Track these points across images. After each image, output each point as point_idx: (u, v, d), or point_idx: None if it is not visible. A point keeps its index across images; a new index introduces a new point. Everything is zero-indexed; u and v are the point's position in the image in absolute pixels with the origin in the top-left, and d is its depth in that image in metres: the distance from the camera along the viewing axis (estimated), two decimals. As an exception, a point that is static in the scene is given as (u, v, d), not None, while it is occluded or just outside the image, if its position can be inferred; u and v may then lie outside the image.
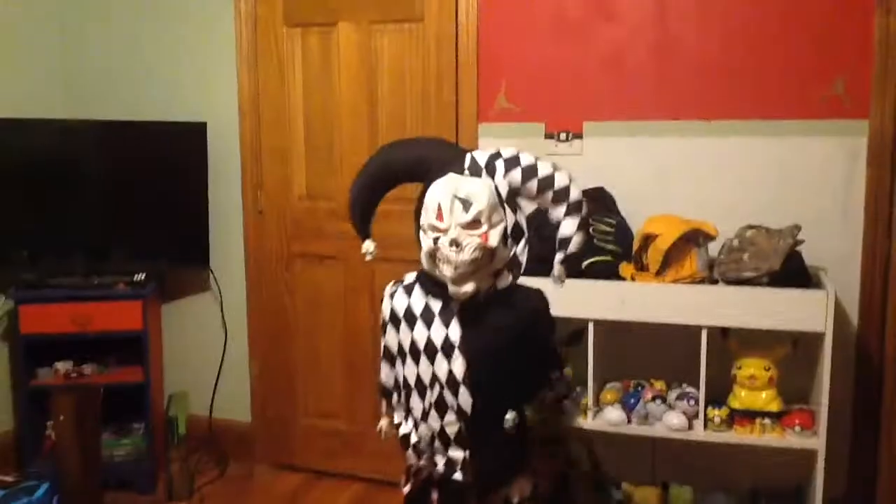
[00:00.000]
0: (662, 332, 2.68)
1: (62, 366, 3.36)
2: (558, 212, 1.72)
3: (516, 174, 1.74)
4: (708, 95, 2.89)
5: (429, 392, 1.81)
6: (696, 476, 2.89)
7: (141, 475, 3.38)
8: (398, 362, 1.90)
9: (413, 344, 1.84)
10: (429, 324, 1.81)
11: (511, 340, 1.78)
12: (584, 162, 3.03)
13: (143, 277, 3.43)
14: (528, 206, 1.88)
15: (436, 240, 1.76)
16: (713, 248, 2.74)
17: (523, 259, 1.79)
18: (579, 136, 3.04)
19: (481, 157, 1.79)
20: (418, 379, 1.84)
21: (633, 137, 2.98)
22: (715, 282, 2.67)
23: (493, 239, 1.71)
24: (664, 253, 2.63)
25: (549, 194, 1.72)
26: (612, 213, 2.89)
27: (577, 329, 2.76)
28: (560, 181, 1.74)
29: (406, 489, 1.95)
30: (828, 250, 2.77)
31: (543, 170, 1.75)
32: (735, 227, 2.74)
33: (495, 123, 3.13)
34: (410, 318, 1.85)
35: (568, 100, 3.05)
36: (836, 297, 2.55)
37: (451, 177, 1.77)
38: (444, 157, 1.83)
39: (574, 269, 1.80)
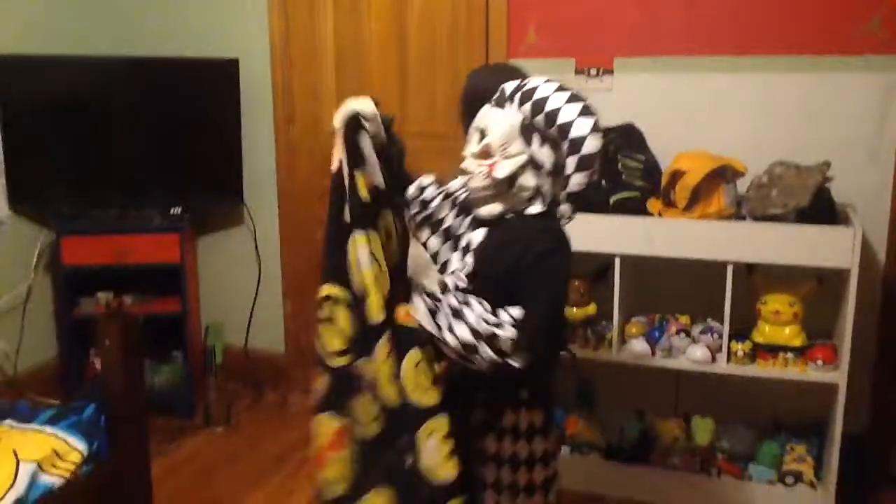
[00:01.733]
0: (688, 267, 2.71)
1: (103, 296, 3.49)
2: (563, 148, 1.70)
3: (528, 107, 1.71)
4: (740, 31, 2.85)
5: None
6: (718, 409, 2.95)
7: (180, 401, 3.53)
8: (426, 230, 1.97)
9: (441, 222, 1.92)
10: (464, 215, 1.88)
11: (509, 261, 1.75)
12: (613, 98, 3.03)
13: (179, 211, 3.51)
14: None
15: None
16: (742, 185, 2.74)
17: (546, 191, 1.78)
18: (609, 71, 3.03)
19: (509, 87, 1.78)
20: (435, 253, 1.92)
21: (663, 73, 2.97)
22: (742, 218, 2.68)
23: (501, 170, 1.70)
24: (692, 189, 2.64)
25: (555, 129, 1.69)
26: (642, 150, 2.90)
27: (603, 264, 2.80)
28: (564, 117, 1.65)
29: None
30: (858, 187, 2.77)
31: (553, 104, 1.67)
32: (764, 164, 2.74)
33: (525, 59, 3.12)
34: (452, 200, 1.93)
35: (598, 35, 3.03)
36: (864, 234, 2.56)
37: (483, 109, 1.80)
38: (492, 87, 1.84)
39: (577, 206, 1.78)
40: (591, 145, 1.69)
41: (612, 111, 2.99)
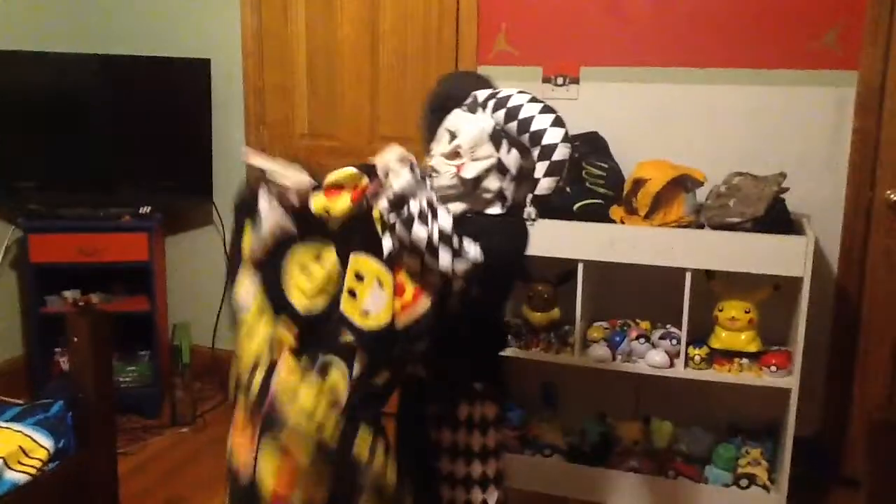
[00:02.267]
0: (649, 273, 2.77)
1: (70, 294, 3.49)
2: (534, 154, 1.80)
3: (500, 114, 1.81)
4: (702, 43, 2.94)
5: None
6: (676, 412, 3.02)
7: (147, 400, 3.53)
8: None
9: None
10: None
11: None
12: (579, 106, 3.10)
13: (148, 210, 3.52)
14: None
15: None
16: (701, 194, 2.82)
17: (509, 194, 1.87)
18: (576, 80, 3.10)
19: (482, 95, 1.87)
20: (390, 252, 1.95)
21: (627, 83, 3.04)
22: (701, 226, 2.76)
23: (468, 171, 1.80)
24: (653, 197, 2.71)
25: (526, 136, 1.79)
26: (605, 158, 2.97)
27: (566, 269, 2.86)
28: (537, 125, 1.77)
29: None
30: (812, 198, 2.86)
31: (526, 112, 1.78)
32: (723, 174, 2.82)
33: (494, 66, 3.18)
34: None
35: (565, 44, 3.10)
36: (817, 243, 2.65)
37: (453, 111, 1.88)
38: (464, 93, 1.91)
39: (545, 209, 1.86)
40: (561, 153, 1.78)
41: (578, 119, 3.05)
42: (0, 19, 3.47)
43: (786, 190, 2.69)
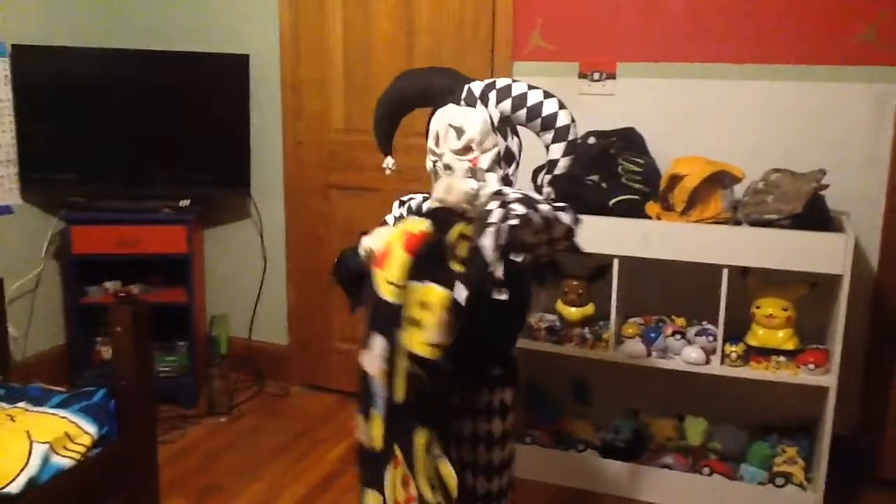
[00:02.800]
0: (685, 270, 2.76)
1: (111, 285, 3.56)
2: (546, 138, 1.87)
3: (507, 104, 1.87)
4: (739, 38, 2.91)
5: None
6: (710, 409, 3.00)
7: (184, 390, 3.59)
8: None
9: None
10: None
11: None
12: (615, 102, 3.09)
13: (187, 203, 3.57)
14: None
15: (434, 163, 1.93)
16: (739, 190, 2.80)
17: (514, 180, 1.94)
18: (612, 76, 3.09)
19: (477, 87, 1.91)
20: None
21: (664, 79, 3.02)
22: (738, 223, 2.74)
23: (484, 163, 1.86)
24: (690, 193, 2.70)
25: (538, 122, 1.86)
26: (642, 154, 2.96)
27: (601, 265, 2.86)
28: (547, 109, 1.85)
29: None
30: (852, 195, 2.83)
31: (532, 99, 1.86)
32: (761, 170, 2.80)
33: (530, 62, 3.19)
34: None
35: (602, 40, 3.09)
36: (857, 241, 2.62)
37: (448, 107, 1.91)
38: (448, 86, 1.95)
39: (562, 189, 1.91)
40: (574, 133, 1.88)
41: (614, 115, 3.06)
42: (40, 15, 3.54)
43: (825, 187, 2.67)
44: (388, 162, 2.14)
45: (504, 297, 1.66)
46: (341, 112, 3.59)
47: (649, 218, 2.81)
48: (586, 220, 2.73)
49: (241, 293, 3.89)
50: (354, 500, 2.85)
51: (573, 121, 1.87)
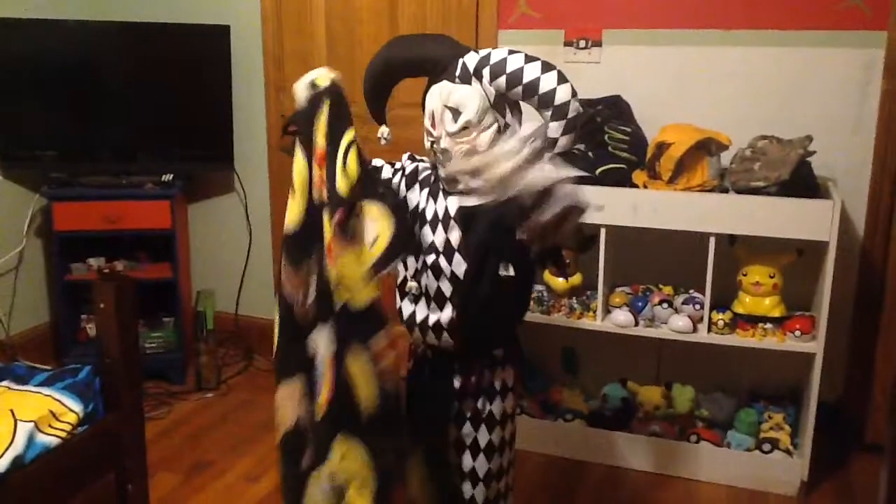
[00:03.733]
0: (672, 238, 2.76)
1: (95, 262, 3.53)
2: (545, 116, 1.77)
3: (501, 81, 1.76)
4: (726, 4, 2.89)
5: (423, 256, 1.89)
6: (698, 377, 3.02)
7: (171, 366, 3.58)
8: None
9: (416, 208, 1.93)
10: (435, 196, 1.91)
11: (494, 217, 1.83)
12: (601, 70, 3.06)
13: (170, 178, 3.53)
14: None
15: (432, 143, 1.85)
16: (726, 158, 2.79)
17: None
18: (598, 43, 3.06)
19: (472, 61, 1.81)
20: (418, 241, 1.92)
21: (650, 46, 3.00)
22: (725, 190, 2.73)
23: (483, 143, 1.79)
24: (677, 161, 2.68)
25: (535, 99, 1.76)
26: (628, 122, 2.94)
27: (588, 234, 2.85)
28: (545, 86, 1.73)
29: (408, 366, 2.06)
30: (839, 161, 2.82)
31: (529, 75, 1.74)
32: (748, 137, 2.78)
33: (515, 30, 3.15)
34: (420, 183, 1.95)
35: (588, 7, 3.06)
36: (843, 207, 2.61)
37: (443, 85, 1.82)
38: (442, 59, 1.86)
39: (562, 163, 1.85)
40: (574, 108, 1.76)
41: (600, 83, 3.03)
42: (20, -13, 3.47)
43: (812, 153, 2.66)
44: (383, 131, 2.05)
45: (510, 272, 1.64)
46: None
47: (636, 187, 2.80)
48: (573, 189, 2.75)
49: (227, 268, 3.86)
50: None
51: (574, 94, 1.76)
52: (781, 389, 2.98)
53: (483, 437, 1.96)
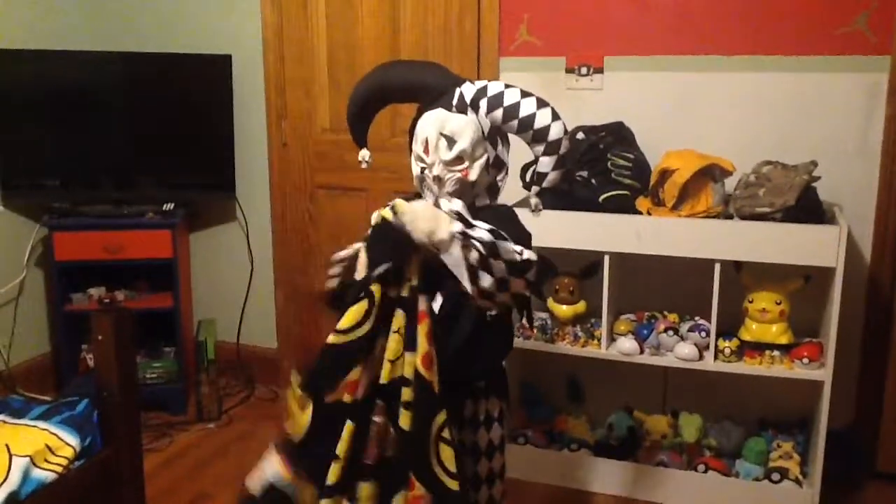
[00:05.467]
0: (677, 265, 2.73)
1: (95, 291, 3.51)
2: (537, 150, 1.82)
3: (498, 114, 1.81)
4: (728, 30, 2.88)
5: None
6: (705, 405, 2.98)
7: (172, 397, 3.54)
8: None
9: None
10: None
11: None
12: (604, 97, 3.05)
13: (171, 207, 3.52)
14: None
15: (422, 169, 1.85)
16: (730, 184, 2.77)
17: (502, 186, 1.91)
18: (600, 70, 3.05)
19: (469, 92, 1.84)
20: None
21: (653, 72, 2.99)
22: (730, 217, 2.71)
23: (474, 174, 1.81)
24: (680, 187, 2.67)
25: (529, 134, 1.80)
26: (631, 148, 2.92)
27: (592, 262, 2.83)
28: (540, 121, 1.79)
29: None
30: (844, 187, 2.80)
31: (525, 110, 1.80)
32: (752, 163, 2.77)
33: (517, 57, 3.15)
34: None
35: (589, 34, 3.05)
36: (850, 232, 2.59)
37: (439, 112, 1.83)
38: (438, 86, 1.87)
39: (549, 200, 1.88)
40: (566, 146, 1.83)
41: (603, 109, 3.02)
42: (21, 18, 3.49)
43: (817, 179, 2.64)
44: (364, 155, 2.07)
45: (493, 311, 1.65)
46: (327, 112, 3.54)
47: (640, 213, 2.78)
48: (577, 216, 2.74)
49: (229, 297, 3.84)
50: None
51: (566, 132, 1.82)
52: (790, 417, 2.94)
53: (468, 469, 1.93)
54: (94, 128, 3.49)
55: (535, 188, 1.87)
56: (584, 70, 3.08)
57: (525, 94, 1.82)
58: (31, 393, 3.22)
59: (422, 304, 1.72)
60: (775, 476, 2.72)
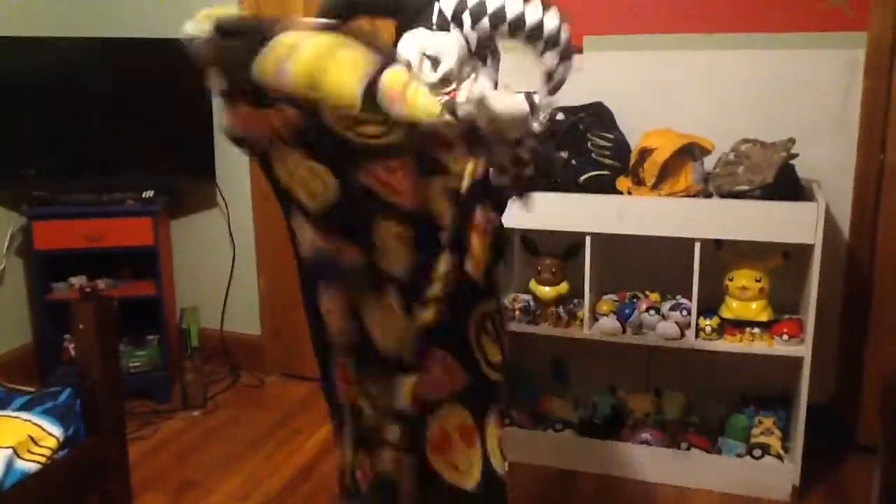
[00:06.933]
0: (657, 244, 2.75)
1: (77, 280, 3.48)
2: (537, 49, 1.70)
3: (484, 23, 1.67)
4: (707, 8, 2.88)
5: None
6: (687, 383, 3.01)
7: (156, 385, 3.53)
8: None
9: None
10: None
11: None
12: (583, 77, 2.98)
13: (151, 194, 3.50)
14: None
15: None
16: (709, 162, 2.78)
17: None
18: (579, 50, 3.04)
19: (448, 6, 1.70)
20: None
21: (632, 52, 2.99)
22: (710, 195, 2.72)
23: (462, 94, 1.67)
24: (660, 167, 2.67)
25: (523, 35, 1.66)
26: (611, 128, 2.93)
27: (574, 242, 2.84)
28: (531, 18, 1.65)
29: None
30: (822, 163, 2.82)
31: (512, 11, 1.66)
32: (732, 142, 2.78)
33: (496, 38, 3.13)
34: None
35: (568, 13, 3.03)
36: (828, 209, 2.61)
37: (418, 32, 1.72)
38: (415, 3, 1.76)
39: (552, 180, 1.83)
40: (566, 32, 1.71)
41: (582, 90, 3.01)
42: (-4, 5, 3.44)
43: (795, 156, 2.66)
44: None
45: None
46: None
47: (620, 193, 2.78)
48: (557, 197, 2.74)
49: (211, 284, 3.83)
50: (334, 489, 2.83)
51: (563, 21, 1.69)
52: (771, 393, 2.97)
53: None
54: (72, 115, 3.45)
55: (545, 88, 1.72)
56: (563, 50, 3.06)
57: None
58: (13, 384, 3.19)
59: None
60: (757, 452, 2.75)
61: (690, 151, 2.71)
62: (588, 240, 2.77)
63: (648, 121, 2.89)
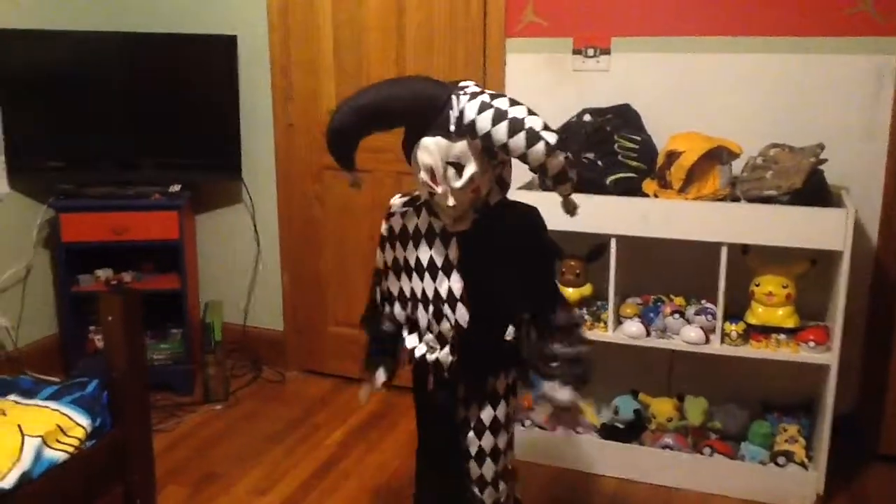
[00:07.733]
0: (683, 248, 2.73)
1: (102, 273, 3.51)
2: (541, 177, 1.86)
3: (503, 126, 1.72)
4: (736, 10, 2.86)
5: (430, 306, 1.93)
6: (710, 388, 2.98)
7: (179, 378, 3.56)
8: (400, 277, 1.98)
9: (418, 261, 1.93)
10: (430, 244, 1.91)
11: (506, 257, 1.87)
12: (610, 78, 3.04)
13: (178, 188, 3.52)
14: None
15: (431, 194, 1.83)
16: (737, 166, 2.76)
17: (509, 178, 1.92)
18: (607, 51, 3.04)
19: (471, 110, 1.74)
20: (423, 293, 1.93)
21: (660, 54, 2.98)
22: (737, 199, 2.70)
23: (485, 187, 1.83)
24: (687, 170, 2.66)
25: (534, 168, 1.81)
26: (638, 130, 2.92)
27: (598, 244, 2.83)
28: (535, 154, 1.74)
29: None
30: (851, 169, 2.79)
31: (516, 147, 1.74)
32: (759, 146, 2.76)
33: (523, 38, 3.13)
34: (416, 236, 1.94)
35: (596, 14, 3.04)
36: (856, 216, 2.58)
37: (439, 141, 1.77)
38: (430, 105, 1.78)
39: (568, 183, 1.88)
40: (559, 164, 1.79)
41: (609, 91, 3.02)
42: (27, -1, 3.47)
43: (824, 161, 2.63)
44: (355, 178, 1.99)
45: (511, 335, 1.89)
46: (332, 92, 3.52)
47: (646, 196, 2.77)
48: (583, 198, 2.72)
49: (235, 279, 3.85)
50: (353, 485, 2.85)
51: (557, 145, 1.75)
52: (795, 400, 2.94)
53: (488, 442, 1.99)
54: (100, 109, 3.49)
55: (546, 180, 1.85)
56: (590, 51, 3.06)
57: (513, 128, 1.72)
58: (38, 374, 3.22)
59: None
60: (781, 460, 2.73)
61: (718, 155, 2.69)
62: (613, 242, 2.76)
63: (675, 123, 2.88)
